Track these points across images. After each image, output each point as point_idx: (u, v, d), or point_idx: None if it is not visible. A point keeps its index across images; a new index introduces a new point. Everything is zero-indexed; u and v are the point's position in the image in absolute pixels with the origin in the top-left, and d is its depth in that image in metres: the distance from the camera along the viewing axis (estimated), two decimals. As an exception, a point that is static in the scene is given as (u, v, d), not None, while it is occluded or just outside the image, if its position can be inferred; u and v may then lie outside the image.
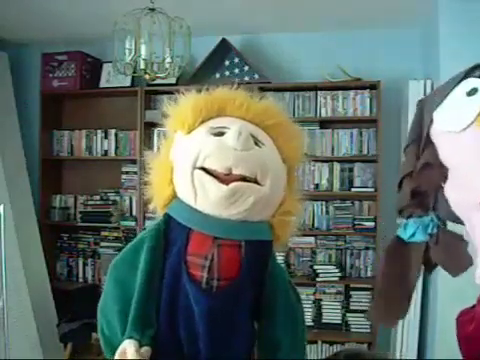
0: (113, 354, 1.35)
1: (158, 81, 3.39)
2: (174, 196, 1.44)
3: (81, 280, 4.47)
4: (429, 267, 1.16)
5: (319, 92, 4.02)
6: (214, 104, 1.46)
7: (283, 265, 3.89)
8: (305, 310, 4.03)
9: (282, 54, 4.18)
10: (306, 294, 3.97)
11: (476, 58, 1.15)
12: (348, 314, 3.95)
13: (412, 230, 1.12)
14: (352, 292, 3.95)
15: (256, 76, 4.04)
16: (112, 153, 4.39)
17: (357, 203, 4.03)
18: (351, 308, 3.95)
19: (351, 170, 4.01)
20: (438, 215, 1.12)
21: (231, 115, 1.47)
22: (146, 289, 1.38)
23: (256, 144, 1.41)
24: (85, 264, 4.48)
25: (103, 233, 4.43)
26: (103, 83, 4.40)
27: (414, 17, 3.73)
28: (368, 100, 3.94)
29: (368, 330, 3.88)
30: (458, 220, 1.08)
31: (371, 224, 3.90)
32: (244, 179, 1.35)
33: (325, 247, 4.07)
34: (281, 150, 1.47)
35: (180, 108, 1.48)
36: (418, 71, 3.83)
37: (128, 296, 1.39)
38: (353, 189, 3.97)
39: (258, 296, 1.42)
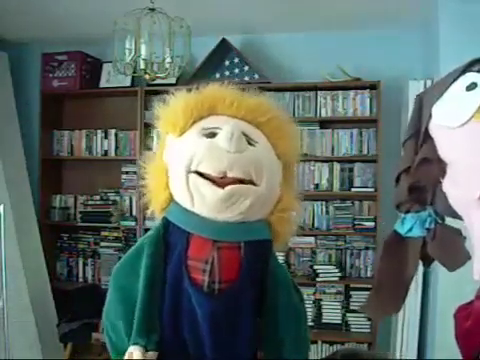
0: (118, 356, 1.36)
1: (158, 81, 3.39)
2: (171, 199, 1.44)
3: (81, 280, 4.47)
4: (427, 262, 1.16)
5: (319, 92, 4.02)
6: (205, 103, 1.45)
7: (283, 265, 3.89)
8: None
9: (282, 54, 4.18)
10: (306, 294, 3.96)
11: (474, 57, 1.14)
12: (348, 314, 3.95)
13: (409, 225, 1.12)
14: (352, 292, 3.95)
15: (256, 76, 4.05)
16: (112, 153, 4.39)
17: (357, 203, 4.03)
18: (351, 308, 3.94)
19: (351, 170, 4.00)
20: (436, 210, 1.11)
21: (223, 114, 1.45)
22: (148, 295, 1.38)
23: (249, 143, 1.40)
24: (85, 264, 4.47)
25: (103, 233, 4.43)
26: (103, 83, 4.40)
27: (414, 17, 3.73)
28: (368, 100, 3.94)
29: (368, 330, 3.88)
30: (456, 215, 1.08)
31: (371, 224, 3.90)
32: (239, 181, 1.35)
33: (325, 247, 4.06)
34: (275, 146, 1.46)
35: (170, 110, 1.47)
36: (418, 71, 3.82)
37: (131, 301, 1.39)
38: (353, 189, 3.97)
39: (260, 295, 1.41)
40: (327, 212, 4.05)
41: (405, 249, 1.14)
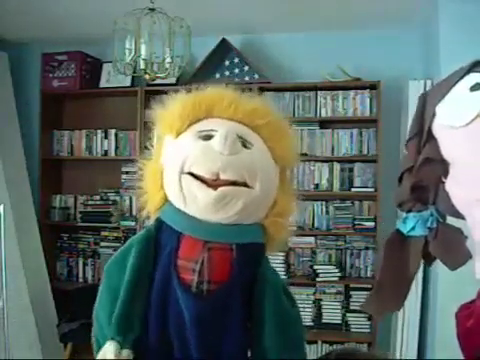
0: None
1: (158, 81, 3.39)
2: (166, 200, 1.44)
3: (81, 280, 4.47)
4: (429, 261, 1.16)
5: (319, 92, 4.02)
6: (202, 106, 1.44)
7: (283, 265, 3.90)
8: (305, 310, 4.03)
9: (282, 54, 4.18)
10: (306, 294, 3.97)
11: (476, 58, 1.14)
12: (348, 314, 3.95)
13: (412, 224, 1.13)
14: (352, 292, 3.95)
15: (256, 76, 4.05)
16: (112, 153, 4.39)
17: (357, 203, 4.03)
18: (351, 308, 3.94)
19: (351, 170, 4.00)
20: (438, 209, 1.12)
21: (220, 116, 1.44)
22: (130, 292, 1.37)
23: (244, 146, 1.39)
24: (85, 264, 4.47)
25: (103, 233, 4.43)
26: (103, 83, 4.40)
27: (414, 17, 3.74)
28: (368, 100, 3.94)
29: (368, 330, 3.88)
30: (458, 215, 1.09)
31: (371, 224, 3.90)
32: (233, 183, 1.34)
33: (325, 247, 4.06)
34: (272, 150, 1.45)
35: (168, 112, 1.47)
36: (418, 71, 3.83)
37: (116, 300, 1.39)
38: (353, 189, 3.97)
39: (250, 300, 1.40)
40: (327, 212, 4.05)
41: (407, 248, 1.14)
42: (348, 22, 3.89)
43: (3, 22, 3.98)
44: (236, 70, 4.11)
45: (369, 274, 3.99)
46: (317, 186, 4.03)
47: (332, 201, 4.05)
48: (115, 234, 4.39)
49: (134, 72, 3.14)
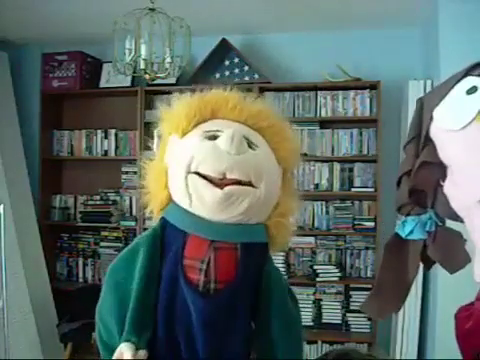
0: (110, 356, 1.36)
1: (158, 81, 3.38)
2: (170, 200, 1.45)
3: (81, 280, 4.47)
4: (428, 264, 1.16)
5: (319, 92, 4.02)
6: (207, 107, 1.47)
7: (283, 265, 3.90)
8: (305, 310, 4.03)
9: (282, 54, 4.18)
10: (306, 294, 3.97)
11: (476, 58, 1.14)
12: (348, 314, 3.95)
13: (410, 227, 1.13)
14: (352, 292, 3.95)
15: (256, 76, 4.04)
16: (112, 153, 4.39)
17: (357, 203, 4.03)
18: (351, 308, 3.94)
19: (351, 170, 4.00)
20: (436, 213, 1.12)
21: (225, 117, 1.47)
22: (143, 293, 1.38)
23: (250, 147, 1.41)
24: (85, 264, 4.47)
25: (103, 233, 4.43)
26: (103, 83, 4.41)
27: (414, 17, 3.73)
28: (368, 100, 3.94)
29: (368, 330, 3.88)
30: (457, 218, 1.09)
31: (371, 224, 3.90)
32: (239, 182, 1.36)
33: (325, 247, 4.06)
34: (276, 151, 1.47)
35: (174, 112, 1.49)
36: (418, 71, 3.83)
37: (124, 300, 1.40)
38: (353, 189, 3.97)
39: (255, 298, 1.42)
40: (327, 212, 4.05)
41: (406, 251, 1.14)
42: (348, 22, 3.89)
43: (3, 22, 3.98)
44: (236, 70, 4.11)
45: (369, 274, 3.99)
46: (317, 186, 4.03)
47: (332, 201, 4.05)
48: (115, 234, 4.39)
49: (134, 72, 3.14)
